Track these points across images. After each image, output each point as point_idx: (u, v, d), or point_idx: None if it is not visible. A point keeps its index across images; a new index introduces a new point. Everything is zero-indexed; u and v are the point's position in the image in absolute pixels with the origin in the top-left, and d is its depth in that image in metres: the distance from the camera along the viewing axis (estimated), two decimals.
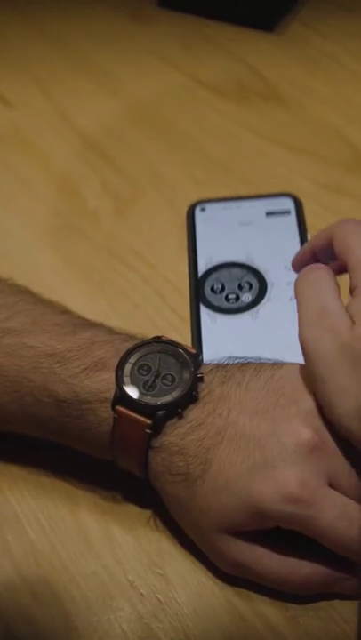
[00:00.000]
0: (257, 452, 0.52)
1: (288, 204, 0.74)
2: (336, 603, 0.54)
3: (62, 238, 0.78)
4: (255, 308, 0.67)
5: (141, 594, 0.56)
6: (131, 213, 0.80)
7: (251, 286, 0.69)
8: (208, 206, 0.75)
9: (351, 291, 0.54)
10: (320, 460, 0.51)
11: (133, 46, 0.99)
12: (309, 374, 0.52)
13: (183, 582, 0.56)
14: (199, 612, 0.55)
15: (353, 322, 0.51)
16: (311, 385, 0.52)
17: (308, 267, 0.55)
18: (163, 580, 0.56)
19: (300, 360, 0.54)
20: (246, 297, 0.68)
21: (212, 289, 0.69)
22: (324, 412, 0.52)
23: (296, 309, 0.53)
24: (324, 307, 0.52)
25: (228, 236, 0.73)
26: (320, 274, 0.54)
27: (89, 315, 0.63)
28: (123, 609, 0.55)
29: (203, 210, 0.75)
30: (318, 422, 0.52)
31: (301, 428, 0.52)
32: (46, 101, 0.93)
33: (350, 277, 0.54)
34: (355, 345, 0.50)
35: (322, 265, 0.55)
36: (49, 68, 0.97)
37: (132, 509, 0.59)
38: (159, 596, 0.56)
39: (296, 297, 0.54)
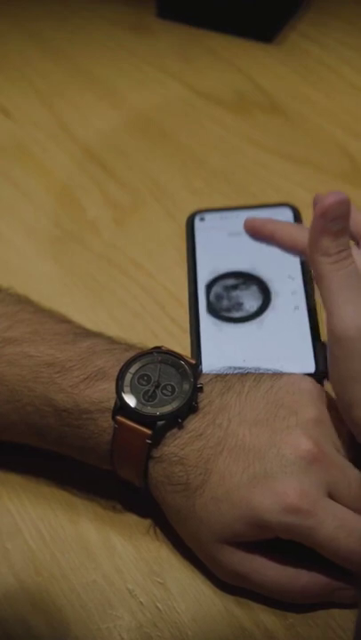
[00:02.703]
0: (257, 463, 0.52)
1: (287, 213, 0.75)
2: (334, 611, 0.54)
3: (62, 248, 0.79)
4: (260, 317, 0.67)
5: (141, 602, 0.56)
6: (130, 223, 0.80)
7: (255, 295, 0.69)
8: (207, 216, 0.75)
9: None
10: (320, 471, 0.52)
11: (133, 57, 0.99)
12: (346, 372, 0.52)
13: (183, 591, 0.56)
14: (198, 621, 0.55)
15: None
16: (343, 387, 0.52)
17: (340, 255, 0.54)
18: (162, 588, 0.56)
19: (302, 370, 0.55)
20: (251, 306, 0.68)
21: (215, 298, 0.69)
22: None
23: (328, 300, 0.53)
24: None
25: (228, 245, 0.73)
26: (353, 268, 0.54)
27: (89, 324, 0.63)
28: (122, 618, 0.55)
29: (202, 220, 0.75)
30: (318, 433, 0.53)
31: (301, 439, 0.52)
32: (46, 113, 0.93)
33: None
34: None
35: (348, 244, 0.54)
36: (49, 80, 0.97)
37: (132, 519, 0.60)
38: (159, 604, 0.56)
39: (327, 286, 0.53)
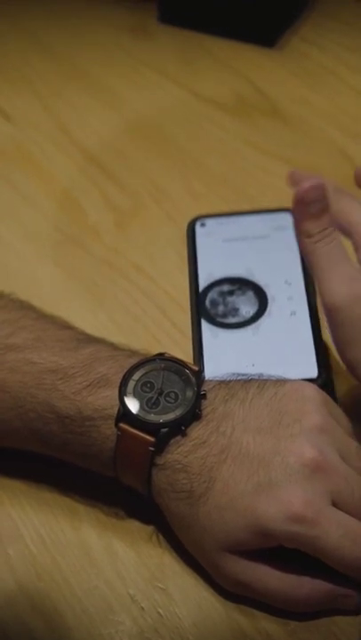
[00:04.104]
0: (261, 471, 0.52)
1: (287, 219, 0.74)
2: (337, 618, 0.54)
3: (63, 252, 0.79)
4: (256, 323, 0.67)
5: (142, 608, 0.56)
6: (131, 227, 0.80)
7: (251, 301, 0.69)
8: (208, 221, 0.75)
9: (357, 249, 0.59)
10: (324, 479, 0.52)
11: (134, 61, 0.99)
12: (341, 337, 0.56)
13: (184, 597, 0.56)
14: (200, 627, 0.55)
15: None
16: (341, 349, 0.57)
17: (322, 234, 0.58)
18: (164, 594, 0.56)
19: (304, 376, 0.55)
20: (247, 312, 0.68)
21: (212, 304, 0.69)
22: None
23: (316, 277, 0.58)
24: (352, 274, 0.56)
25: (229, 251, 0.73)
26: (335, 244, 0.58)
27: (90, 329, 0.63)
28: (124, 623, 0.55)
29: (203, 225, 0.75)
30: (322, 441, 0.53)
31: (305, 447, 0.52)
32: (47, 116, 0.93)
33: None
34: None
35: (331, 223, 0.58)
36: (49, 83, 0.97)
37: (135, 525, 0.60)
38: (160, 610, 0.56)
39: (314, 263, 0.58)
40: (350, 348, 0.56)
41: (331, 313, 0.56)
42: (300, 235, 0.58)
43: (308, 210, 0.57)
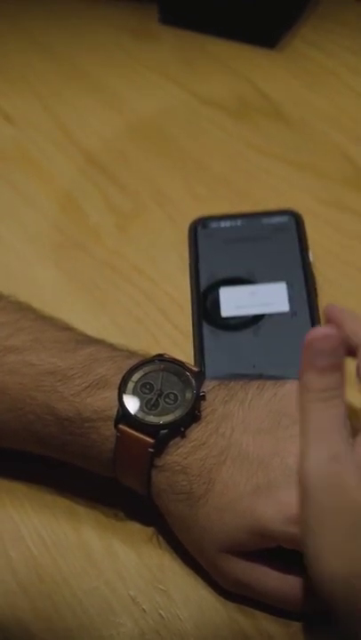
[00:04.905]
0: (260, 473, 0.52)
1: (289, 220, 0.75)
2: None
3: (64, 254, 0.79)
4: (257, 324, 0.67)
5: (143, 610, 0.56)
6: (133, 229, 0.80)
7: (253, 303, 0.69)
8: (210, 223, 0.75)
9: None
10: None
11: (135, 63, 0.99)
12: (301, 518, 0.49)
13: (185, 598, 0.56)
14: (201, 628, 0.55)
15: None
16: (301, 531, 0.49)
17: (321, 395, 0.51)
18: (165, 595, 0.56)
19: None
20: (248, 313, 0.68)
21: (213, 305, 0.69)
22: (307, 566, 0.48)
23: (301, 428, 0.51)
24: (337, 452, 0.49)
25: (230, 252, 0.73)
26: (333, 412, 0.51)
27: (91, 331, 0.63)
28: (125, 624, 0.55)
29: (204, 227, 0.75)
30: None
31: None
32: (47, 117, 0.93)
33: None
34: None
35: (343, 396, 0.51)
36: (50, 85, 0.97)
37: (135, 526, 0.60)
38: (161, 611, 0.56)
39: (302, 420, 0.51)
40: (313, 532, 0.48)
41: (300, 483, 0.49)
42: (300, 381, 0.52)
43: (314, 360, 0.51)
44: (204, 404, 0.55)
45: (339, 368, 0.51)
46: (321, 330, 0.52)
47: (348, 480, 0.48)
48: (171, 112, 0.92)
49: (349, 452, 0.49)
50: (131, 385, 0.56)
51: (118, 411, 0.55)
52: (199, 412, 0.55)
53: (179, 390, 0.56)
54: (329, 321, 0.55)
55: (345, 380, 0.51)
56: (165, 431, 0.54)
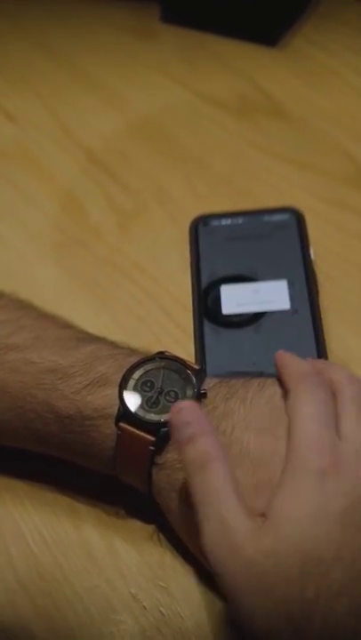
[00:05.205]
0: (261, 471, 0.52)
1: (290, 218, 0.75)
2: None
3: (66, 253, 0.79)
4: (258, 322, 0.67)
5: (144, 607, 0.56)
6: (134, 228, 0.80)
7: (254, 300, 0.69)
8: (211, 221, 0.75)
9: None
10: None
11: (136, 61, 0.99)
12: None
13: (186, 596, 0.56)
14: (202, 626, 0.55)
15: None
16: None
17: (201, 458, 0.49)
18: (166, 593, 0.56)
19: None
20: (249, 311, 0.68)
21: (214, 303, 0.69)
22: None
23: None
24: (224, 519, 0.48)
25: (231, 250, 0.73)
26: (214, 466, 0.49)
27: (92, 329, 0.63)
28: (125, 622, 0.55)
29: (205, 224, 0.75)
30: None
31: None
32: (49, 117, 0.93)
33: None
34: (260, 561, 0.47)
35: (220, 456, 0.50)
36: (52, 84, 0.97)
37: (136, 524, 0.60)
38: (162, 609, 0.56)
39: (193, 491, 0.49)
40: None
41: (204, 557, 0.49)
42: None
43: (177, 437, 0.50)
44: (204, 401, 0.55)
45: (204, 434, 0.50)
46: (177, 405, 0.50)
47: (237, 542, 0.47)
48: (172, 111, 0.92)
49: (239, 511, 0.48)
50: (132, 383, 0.56)
51: (119, 409, 0.55)
52: None
53: (180, 388, 0.56)
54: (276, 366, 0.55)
55: (218, 442, 0.50)
56: (166, 429, 0.54)
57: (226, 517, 0.48)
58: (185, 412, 0.50)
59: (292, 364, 0.55)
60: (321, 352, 0.64)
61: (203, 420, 0.50)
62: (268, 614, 0.46)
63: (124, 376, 0.56)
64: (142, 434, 0.54)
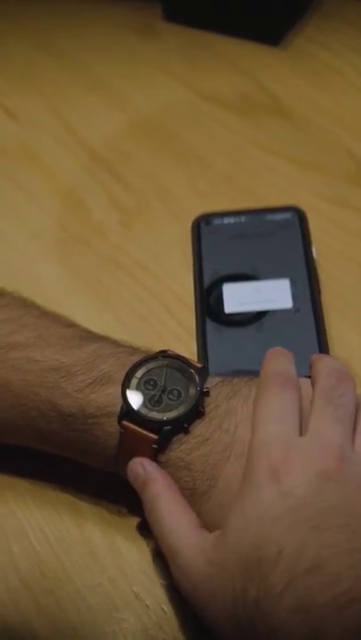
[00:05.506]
0: None
1: (292, 216, 0.75)
2: None
3: (68, 251, 0.79)
4: (260, 321, 0.67)
5: (147, 605, 0.56)
6: (136, 226, 0.80)
7: (256, 299, 0.69)
8: (213, 219, 0.75)
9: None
10: None
11: (138, 60, 0.99)
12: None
13: None
14: None
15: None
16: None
17: (149, 479, 0.54)
18: (168, 591, 0.56)
19: (304, 373, 0.55)
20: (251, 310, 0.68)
21: (217, 301, 0.69)
22: None
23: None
24: (176, 550, 0.51)
25: (233, 249, 0.73)
26: (161, 491, 0.53)
27: (94, 327, 0.63)
28: (128, 620, 0.55)
29: (208, 223, 0.75)
30: None
31: None
32: (51, 115, 0.93)
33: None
34: (210, 572, 0.49)
35: (163, 477, 0.54)
36: (54, 83, 0.97)
37: (138, 522, 0.60)
38: (164, 607, 0.56)
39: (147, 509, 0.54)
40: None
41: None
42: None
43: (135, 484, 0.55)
44: (207, 400, 0.55)
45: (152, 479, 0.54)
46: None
47: (187, 563, 0.50)
48: (174, 109, 0.92)
49: (189, 534, 0.51)
50: (134, 381, 0.56)
51: (122, 407, 0.55)
52: (203, 408, 0.55)
53: (182, 386, 0.56)
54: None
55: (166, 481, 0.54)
56: (169, 427, 0.54)
57: (176, 544, 0.51)
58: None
59: (268, 362, 0.56)
60: (323, 351, 0.64)
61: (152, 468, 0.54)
62: (223, 622, 0.48)
63: (126, 374, 0.56)
64: (145, 432, 0.54)
